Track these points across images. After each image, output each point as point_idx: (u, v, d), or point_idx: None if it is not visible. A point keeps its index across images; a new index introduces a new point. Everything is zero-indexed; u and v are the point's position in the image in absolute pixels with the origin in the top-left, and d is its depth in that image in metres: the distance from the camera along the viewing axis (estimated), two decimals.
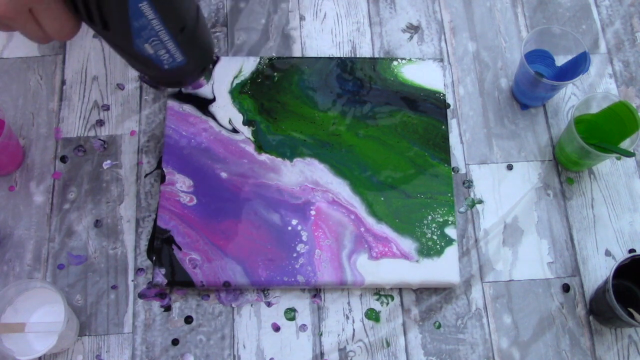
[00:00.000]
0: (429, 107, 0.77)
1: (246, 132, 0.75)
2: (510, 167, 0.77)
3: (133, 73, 0.80)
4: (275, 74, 0.78)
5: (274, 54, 0.82)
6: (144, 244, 0.72)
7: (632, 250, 0.73)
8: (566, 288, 0.72)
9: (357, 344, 0.69)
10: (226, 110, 0.76)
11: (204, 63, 0.55)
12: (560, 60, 0.77)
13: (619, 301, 0.62)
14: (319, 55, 0.82)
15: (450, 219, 0.72)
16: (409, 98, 0.77)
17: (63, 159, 0.75)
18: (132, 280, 0.71)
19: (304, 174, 0.73)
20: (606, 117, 0.71)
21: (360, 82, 0.78)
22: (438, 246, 0.70)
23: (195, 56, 0.52)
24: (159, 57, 0.48)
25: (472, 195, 0.75)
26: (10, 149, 0.72)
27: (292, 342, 0.69)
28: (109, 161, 0.76)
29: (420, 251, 0.70)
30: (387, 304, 0.71)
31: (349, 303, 0.70)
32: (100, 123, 0.78)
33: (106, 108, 0.78)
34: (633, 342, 0.70)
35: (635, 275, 0.67)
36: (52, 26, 0.44)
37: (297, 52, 0.82)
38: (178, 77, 0.53)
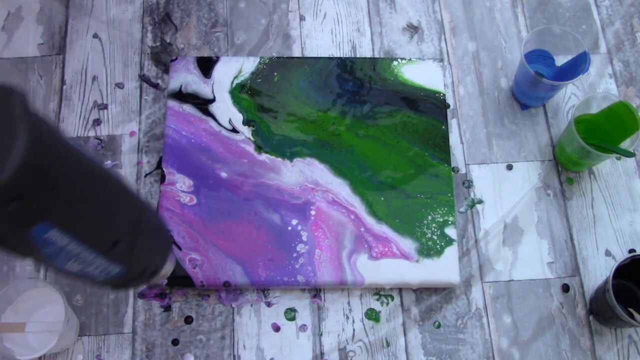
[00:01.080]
0: (429, 107, 0.77)
1: (246, 132, 0.75)
2: (510, 167, 0.77)
3: (133, 72, 0.80)
4: (275, 74, 0.78)
5: (274, 54, 0.82)
6: None
7: (632, 250, 0.73)
8: (566, 288, 0.72)
9: (357, 344, 0.69)
10: (226, 110, 0.76)
11: (153, 265, 0.47)
12: (560, 60, 0.77)
13: (619, 301, 0.62)
14: (319, 55, 0.82)
15: (450, 219, 0.72)
16: (409, 98, 0.77)
17: None
18: None
19: (304, 174, 0.73)
20: (606, 117, 0.71)
21: (360, 82, 0.78)
22: (438, 246, 0.70)
23: (139, 263, 0.44)
24: (89, 273, 0.41)
25: (472, 195, 0.75)
26: None
27: (292, 342, 0.69)
28: (109, 162, 0.76)
29: (420, 251, 0.70)
30: (387, 304, 0.71)
31: (349, 303, 0.70)
32: (100, 123, 0.78)
33: (106, 108, 0.78)
34: (633, 342, 0.70)
35: (635, 275, 0.67)
36: None
37: (297, 52, 0.82)
38: (123, 283, 0.45)
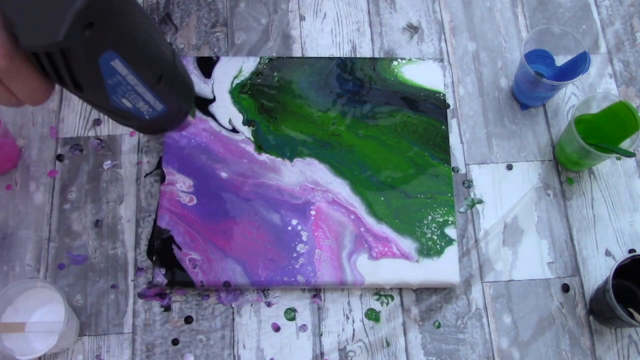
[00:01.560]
0: (429, 107, 0.77)
1: (246, 132, 0.75)
2: (510, 167, 0.77)
3: None
4: (275, 74, 0.78)
5: (274, 54, 0.82)
6: (144, 244, 0.72)
7: (632, 250, 0.73)
8: (566, 288, 0.72)
9: (357, 344, 0.69)
10: (226, 110, 0.76)
11: (186, 106, 0.52)
12: (560, 60, 0.77)
13: (619, 301, 0.62)
14: (319, 55, 0.82)
15: (450, 219, 0.72)
16: (409, 98, 0.77)
17: (60, 158, 0.75)
18: (132, 280, 0.71)
19: (304, 174, 0.73)
20: (606, 117, 0.71)
21: (360, 82, 0.78)
22: (438, 246, 0.70)
23: (176, 101, 0.49)
24: (138, 110, 0.45)
25: (472, 195, 0.75)
26: (6, 148, 0.72)
27: (292, 342, 0.69)
28: (109, 162, 0.76)
29: (420, 251, 0.70)
30: (387, 304, 0.71)
31: (349, 303, 0.70)
32: (100, 123, 0.78)
33: None
34: (633, 342, 0.70)
35: (635, 275, 0.67)
36: (23, 92, 0.41)
37: (297, 52, 0.82)
38: (161, 124, 0.50)
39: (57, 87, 0.79)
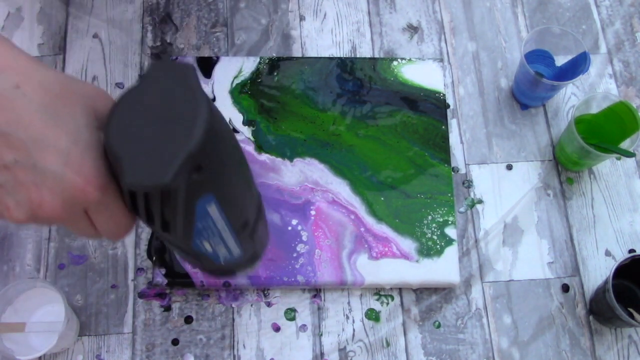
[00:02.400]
0: (429, 107, 0.77)
1: (246, 132, 0.75)
2: (510, 167, 0.77)
3: (133, 72, 0.80)
4: (275, 74, 0.78)
5: (274, 54, 0.82)
6: (144, 244, 0.72)
7: (632, 250, 0.73)
8: (566, 288, 0.72)
9: (357, 344, 0.69)
10: (226, 110, 0.76)
11: (259, 254, 0.49)
12: (560, 60, 0.77)
13: (619, 301, 0.62)
14: (319, 55, 0.82)
15: (450, 219, 0.72)
16: (409, 98, 0.77)
17: None
18: (132, 280, 0.71)
19: (304, 174, 0.73)
20: (606, 117, 0.71)
21: (360, 82, 0.78)
22: (438, 246, 0.70)
23: (252, 249, 0.46)
24: (215, 254, 0.43)
25: (472, 195, 0.75)
26: None
27: (292, 342, 0.69)
28: None
29: (420, 251, 0.70)
30: (387, 304, 0.71)
31: (349, 303, 0.70)
32: None
33: None
34: (633, 342, 0.70)
35: (635, 275, 0.67)
36: (107, 226, 0.38)
37: (297, 52, 0.82)
38: (230, 269, 0.47)
39: None
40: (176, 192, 0.34)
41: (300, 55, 0.82)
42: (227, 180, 0.38)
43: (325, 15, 0.85)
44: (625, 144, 0.71)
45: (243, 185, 0.41)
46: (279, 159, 0.74)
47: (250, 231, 0.44)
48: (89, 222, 0.38)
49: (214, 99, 0.77)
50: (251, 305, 0.70)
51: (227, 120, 0.76)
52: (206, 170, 0.34)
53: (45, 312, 0.67)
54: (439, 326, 0.70)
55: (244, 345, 0.69)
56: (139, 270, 0.71)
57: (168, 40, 0.82)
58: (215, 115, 0.35)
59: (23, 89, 0.34)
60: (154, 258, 0.70)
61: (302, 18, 0.84)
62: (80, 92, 0.37)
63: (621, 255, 0.73)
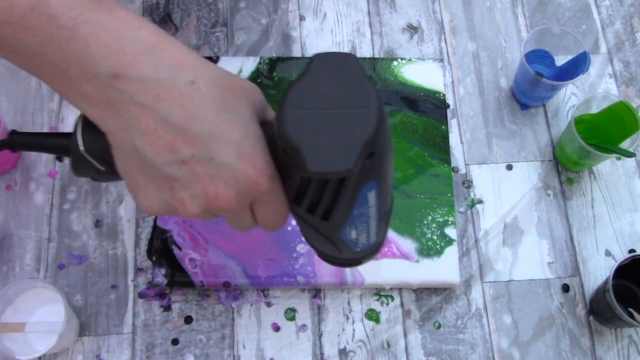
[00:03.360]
0: (429, 107, 0.77)
1: None
2: (510, 167, 0.77)
3: None
4: (275, 74, 0.78)
5: (274, 54, 0.82)
6: (144, 244, 0.72)
7: (632, 250, 0.73)
8: (566, 288, 0.72)
9: (357, 344, 0.69)
10: None
11: (383, 243, 0.49)
12: (560, 60, 0.77)
13: (619, 301, 0.62)
14: None
15: (450, 219, 0.72)
16: (409, 98, 0.77)
17: (60, 158, 0.75)
18: (132, 280, 0.71)
19: None
20: (606, 117, 0.71)
21: None
22: (438, 246, 0.70)
23: (383, 237, 0.46)
24: (356, 242, 0.43)
25: (472, 195, 0.75)
26: None
27: (292, 342, 0.69)
28: None
29: (420, 251, 0.70)
30: (387, 304, 0.71)
31: (349, 303, 0.70)
32: None
33: None
34: (633, 342, 0.70)
35: (635, 275, 0.67)
36: (268, 216, 0.39)
37: (297, 52, 0.82)
38: (358, 259, 0.47)
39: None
40: (351, 178, 0.35)
41: (300, 55, 0.82)
42: (387, 167, 0.39)
43: (325, 15, 0.85)
44: (625, 144, 0.71)
45: (392, 171, 0.42)
46: None
47: (387, 219, 0.44)
48: (250, 214, 0.40)
49: None
50: (251, 305, 0.70)
51: None
52: (376, 156, 0.35)
53: (45, 312, 0.67)
54: (439, 327, 0.70)
55: (244, 345, 0.69)
56: (139, 270, 0.71)
57: None
58: (381, 101, 0.36)
59: (197, 85, 0.35)
60: (154, 258, 0.70)
61: (302, 18, 0.84)
62: (241, 86, 0.38)
63: (621, 255, 0.73)
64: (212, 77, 0.36)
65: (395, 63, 0.79)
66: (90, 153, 0.40)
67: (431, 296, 0.71)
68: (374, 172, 0.37)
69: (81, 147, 0.40)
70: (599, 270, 0.73)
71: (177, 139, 0.34)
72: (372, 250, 0.46)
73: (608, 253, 0.73)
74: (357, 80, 0.36)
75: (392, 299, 0.71)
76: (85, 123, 0.40)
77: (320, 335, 0.69)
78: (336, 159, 0.34)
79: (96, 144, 0.39)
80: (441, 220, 0.72)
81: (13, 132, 0.43)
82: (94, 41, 0.34)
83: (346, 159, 0.34)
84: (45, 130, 0.77)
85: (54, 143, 0.44)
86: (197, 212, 0.37)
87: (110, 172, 0.41)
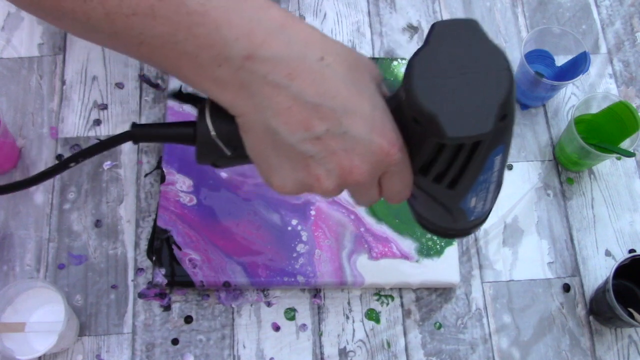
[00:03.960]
0: None
1: None
2: (510, 167, 0.77)
3: (133, 72, 0.80)
4: None
5: None
6: (144, 244, 0.72)
7: (632, 250, 0.73)
8: (566, 288, 0.72)
9: (357, 344, 0.69)
10: None
11: (489, 214, 0.48)
12: (560, 60, 0.77)
13: (619, 301, 0.62)
14: None
15: None
16: None
17: (60, 158, 0.75)
18: (132, 280, 0.71)
19: None
20: (606, 117, 0.71)
21: None
22: (438, 246, 0.70)
23: (492, 206, 0.46)
24: (472, 210, 0.43)
25: None
26: (6, 148, 0.72)
27: (292, 342, 0.69)
28: (109, 162, 0.76)
29: (420, 251, 0.70)
30: (387, 304, 0.71)
31: (349, 303, 0.70)
32: (100, 123, 0.78)
33: (106, 108, 0.78)
34: (633, 342, 0.70)
35: (635, 275, 0.67)
36: (395, 187, 0.39)
37: None
38: (470, 228, 0.47)
39: (57, 86, 0.79)
40: (485, 142, 0.35)
41: None
42: (512, 131, 0.38)
43: (325, 15, 0.85)
44: (625, 144, 0.71)
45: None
46: None
47: (500, 186, 0.44)
48: (378, 187, 0.40)
49: None
50: (251, 305, 0.70)
51: None
52: (507, 118, 0.35)
53: (45, 312, 0.67)
54: (439, 327, 0.70)
55: (244, 345, 0.69)
56: (139, 270, 0.71)
57: None
58: (510, 62, 0.36)
59: (327, 61, 0.35)
60: (154, 258, 0.70)
61: (302, 18, 0.84)
62: (363, 61, 0.39)
63: (621, 255, 0.73)
64: (339, 52, 0.37)
65: (395, 63, 0.79)
66: (220, 138, 0.40)
67: (431, 296, 0.71)
68: (504, 135, 0.37)
69: (213, 133, 0.40)
70: (599, 270, 0.73)
71: (311, 116, 0.35)
72: (482, 220, 0.46)
73: (608, 253, 0.73)
74: (483, 43, 0.36)
75: (392, 299, 0.71)
76: (212, 108, 0.40)
77: (320, 335, 0.69)
78: (473, 122, 0.34)
79: (224, 128, 0.40)
80: None
81: (134, 125, 0.43)
82: (225, 24, 0.34)
83: (483, 122, 0.34)
84: (45, 130, 0.77)
85: (177, 133, 0.44)
86: (332, 188, 0.38)
87: (235, 157, 0.41)
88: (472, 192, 0.40)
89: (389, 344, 0.69)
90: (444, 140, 0.34)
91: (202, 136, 0.41)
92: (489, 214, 0.46)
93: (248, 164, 0.42)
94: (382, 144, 0.36)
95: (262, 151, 0.38)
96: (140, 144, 0.77)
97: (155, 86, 0.79)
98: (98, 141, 0.44)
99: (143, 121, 0.78)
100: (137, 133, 0.43)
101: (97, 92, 0.79)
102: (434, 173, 0.38)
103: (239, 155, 0.40)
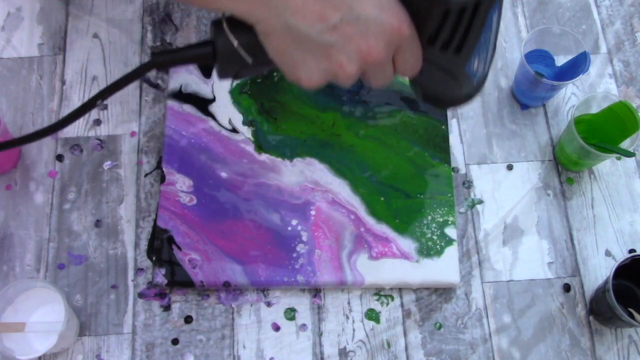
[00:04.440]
0: (429, 107, 0.77)
1: (246, 132, 0.75)
2: (510, 167, 0.77)
3: None
4: (275, 73, 0.78)
5: None
6: (144, 244, 0.72)
7: (632, 250, 0.73)
8: (566, 288, 0.72)
9: (357, 344, 0.69)
10: (226, 110, 0.76)
11: (487, 76, 0.51)
12: (560, 60, 0.77)
13: (619, 301, 0.62)
14: None
15: (450, 219, 0.72)
16: (409, 98, 0.77)
17: (59, 158, 0.75)
18: (132, 280, 0.71)
19: (304, 174, 0.73)
20: (606, 117, 0.71)
21: (360, 82, 0.78)
22: (438, 246, 0.70)
23: (489, 70, 0.49)
24: (475, 73, 0.46)
25: (472, 196, 0.75)
26: None
27: (292, 342, 0.69)
28: (109, 162, 0.76)
29: (420, 251, 0.70)
30: (387, 304, 0.71)
31: (349, 303, 0.70)
32: (100, 123, 0.78)
33: (106, 108, 0.78)
34: (633, 342, 0.70)
35: (635, 275, 0.67)
36: (408, 62, 0.44)
37: None
38: (472, 93, 0.50)
39: (57, 86, 0.79)
40: (484, 3, 0.39)
41: None
42: None
43: None
44: (625, 144, 0.71)
45: None
46: (279, 159, 0.74)
47: (495, 47, 0.47)
48: (391, 65, 0.44)
49: (213, 99, 0.77)
50: (251, 305, 0.70)
51: (227, 120, 0.76)
52: None
53: (45, 312, 0.67)
54: (439, 327, 0.70)
55: (244, 345, 0.69)
56: (139, 270, 0.71)
57: (168, 40, 0.82)
58: None
59: None
60: (154, 258, 0.70)
61: None
62: None
63: (621, 255, 0.73)
64: None
65: None
66: (242, 46, 0.43)
67: (431, 296, 0.71)
68: None
69: (235, 42, 0.43)
70: (599, 270, 0.73)
71: (325, 7, 0.38)
72: (481, 83, 0.50)
73: (608, 253, 0.73)
74: None
75: (392, 299, 0.71)
76: (228, 23, 0.43)
77: (320, 335, 0.69)
78: None
79: (244, 37, 0.43)
80: (441, 220, 0.72)
81: (154, 53, 0.45)
82: None
83: None
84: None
85: (196, 53, 0.46)
86: (354, 71, 0.42)
87: (255, 65, 0.45)
88: (474, 53, 0.44)
89: (389, 344, 0.69)
90: (448, 5, 0.38)
91: (223, 49, 0.44)
92: (486, 77, 0.50)
93: (268, 69, 0.45)
94: (393, 22, 0.40)
95: (285, 51, 0.41)
96: (141, 144, 0.77)
97: (155, 86, 0.79)
98: (123, 76, 0.47)
99: (143, 122, 0.78)
100: (159, 60, 0.45)
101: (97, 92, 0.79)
102: (441, 41, 0.42)
103: (260, 62, 0.44)
